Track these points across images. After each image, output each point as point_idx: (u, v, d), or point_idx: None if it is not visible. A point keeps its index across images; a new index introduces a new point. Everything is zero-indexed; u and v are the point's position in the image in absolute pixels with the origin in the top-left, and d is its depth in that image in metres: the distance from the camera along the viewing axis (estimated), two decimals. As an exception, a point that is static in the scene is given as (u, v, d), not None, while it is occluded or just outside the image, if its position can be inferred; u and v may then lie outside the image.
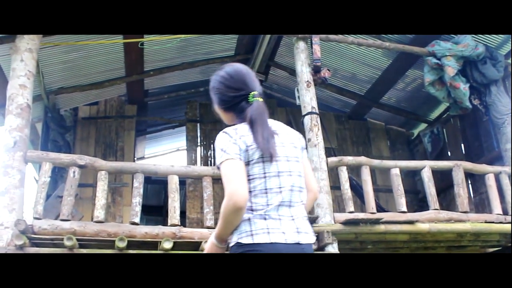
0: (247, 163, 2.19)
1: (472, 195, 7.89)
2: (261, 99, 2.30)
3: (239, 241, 2.14)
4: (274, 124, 2.34)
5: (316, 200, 2.50)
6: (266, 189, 2.19)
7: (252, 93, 2.30)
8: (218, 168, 2.19)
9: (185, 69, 8.42)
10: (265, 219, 2.15)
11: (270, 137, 2.21)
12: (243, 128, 2.23)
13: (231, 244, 2.20)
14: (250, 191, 2.17)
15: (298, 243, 2.16)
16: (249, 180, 2.18)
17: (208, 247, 2.31)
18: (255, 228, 2.13)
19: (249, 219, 2.15)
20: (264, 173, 2.19)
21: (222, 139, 2.21)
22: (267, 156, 2.18)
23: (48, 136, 8.05)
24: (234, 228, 2.17)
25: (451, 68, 6.47)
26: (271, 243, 2.10)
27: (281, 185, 2.20)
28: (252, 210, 2.17)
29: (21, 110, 4.99)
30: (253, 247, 2.10)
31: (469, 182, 7.75)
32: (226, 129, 2.25)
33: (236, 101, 2.31)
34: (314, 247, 5.02)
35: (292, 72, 7.65)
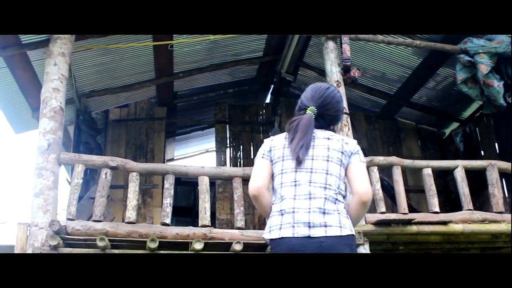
0: (273, 163, 2.55)
1: (507, 195, 7.71)
2: (312, 114, 2.57)
3: (263, 236, 2.49)
4: (319, 133, 2.58)
5: (365, 203, 2.48)
6: (281, 183, 2.47)
7: (310, 108, 2.59)
8: None
9: (214, 70, 8.45)
10: (282, 214, 2.41)
11: (305, 145, 2.47)
12: (281, 134, 2.63)
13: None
14: (273, 188, 2.53)
15: (308, 237, 2.30)
16: (274, 177, 2.53)
17: None
18: (272, 224, 2.43)
19: (270, 217, 2.47)
20: (282, 169, 2.50)
21: None
22: (295, 158, 2.46)
23: (80, 139, 8.18)
24: (267, 212, 2.53)
25: (484, 65, 6.33)
26: (281, 238, 2.35)
27: (296, 179, 2.44)
28: (272, 205, 2.48)
29: (55, 113, 5.08)
30: (270, 242, 2.42)
31: (503, 182, 7.57)
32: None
33: (301, 108, 2.65)
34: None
35: (321, 72, 7.60)
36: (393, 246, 5.59)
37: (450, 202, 8.85)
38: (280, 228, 2.36)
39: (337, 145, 2.52)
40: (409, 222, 5.23)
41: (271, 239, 2.39)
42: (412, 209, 6.00)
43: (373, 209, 6.19)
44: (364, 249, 5.04)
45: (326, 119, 2.61)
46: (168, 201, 5.04)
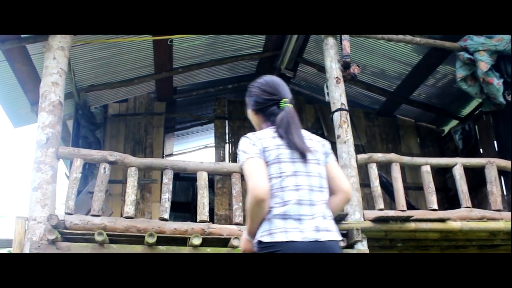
0: (267, 163, 2.35)
1: (505, 193, 7.71)
2: (291, 105, 2.48)
3: (260, 239, 2.29)
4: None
5: (349, 200, 2.56)
6: (282, 187, 2.33)
7: (284, 99, 2.49)
8: (242, 169, 2.38)
9: (214, 66, 8.45)
10: (284, 219, 2.28)
11: (304, 138, 2.42)
12: (262, 133, 2.45)
13: (254, 242, 2.34)
14: (271, 190, 2.31)
15: (316, 241, 2.26)
16: (269, 180, 2.33)
17: (242, 243, 2.49)
18: (274, 227, 2.27)
19: (269, 219, 2.29)
20: (280, 173, 2.34)
21: (243, 143, 2.42)
22: (299, 156, 2.36)
23: (79, 133, 8.17)
24: (261, 221, 2.31)
25: (484, 63, 6.32)
26: (288, 241, 2.23)
27: (297, 184, 2.34)
28: (271, 208, 2.31)
29: (53, 107, 5.08)
30: (271, 246, 2.24)
31: (502, 179, 7.57)
32: (246, 135, 2.46)
33: (267, 104, 2.51)
34: (343, 244, 4.98)
35: (321, 68, 7.60)
36: (391, 243, 5.60)
37: (449, 199, 8.86)
38: (286, 232, 2.25)
39: (319, 146, 2.50)
40: (407, 219, 5.23)
41: (275, 242, 2.24)
42: (410, 206, 6.00)
43: (371, 206, 6.21)
44: (362, 245, 5.05)
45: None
46: (166, 196, 5.04)
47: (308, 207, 2.32)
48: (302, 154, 2.37)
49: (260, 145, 2.37)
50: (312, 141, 2.50)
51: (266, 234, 2.27)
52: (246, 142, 2.40)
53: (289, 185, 2.33)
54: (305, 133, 2.51)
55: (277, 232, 2.25)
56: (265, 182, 2.26)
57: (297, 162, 2.38)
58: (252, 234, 2.37)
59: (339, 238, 2.38)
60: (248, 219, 2.35)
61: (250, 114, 2.63)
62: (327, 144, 2.57)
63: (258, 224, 2.32)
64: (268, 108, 2.50)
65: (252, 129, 2.58)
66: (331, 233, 2.33)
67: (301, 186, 2.34)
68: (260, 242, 2.28)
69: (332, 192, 2.48)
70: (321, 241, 2.27)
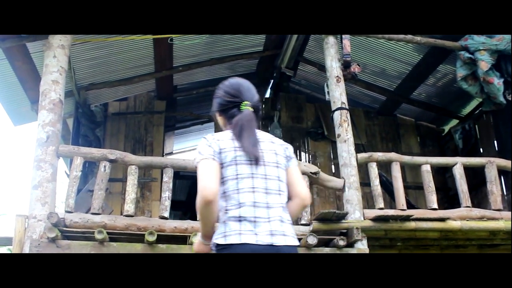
0: (222, 166, 2.36)
1: (505, 192, 7.71)
2: (251, 109, 2.50)
3: (215, 241, 2.30)
4: (260, 134, 2.52)
5: (306, 206, 2.54)
6: (238, 189, 2.33)
7: (244, 102, 2.50)
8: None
9: (214, 64, 8.44)
10: (239, 221, 2.28)
11: (256, 142, 2.40)
12: (221, 134, 2.47)
13: (211, 244, 2.36)
14: (224, 192, 2.35)
15: (271, 245, 2.25)
16: (223, 182, 2.35)
17: (195, 245, 2.51)
18: (228, 229, 2.28)
19: (224, 222, 2.31)
20: (236, 174, 2.34)
21: (200, 144, 2.44)
22: (252, 159, 2.36)
23: (79, 131, 8.17)
24: (213, 223, 2.34)
25: (484, 62, 6.32)
26: (242, 244, 2.23)
27: (253, 186, 2.34)
28: (227, 210, 2.32)
29: (54, 105, 5.07)
30: (226, 248, 2.25)
31: (502, 179, 7.56)
32: (205, 135, 2.49)
33: (229, 106, 2.55)
34: (343, 243, 4.98)
35: (321, 67, 7.60)
36: (391, 242, 5.60)
37: (449, 199, 8.85)
38: (240, 234, 2.25)
39: (281, 150, 2.52)
40: (407, 218, 5.23)
41: (228, 244, 2.25)
42: (410, 206, 6.00)
43: (371, 205, 6.21)
44: (362, 244, 5.05)
45: (258, 116, 2.55)
46: (166, 194, 5.04)
47: (264, 210, 2.31)
48: (252, 158, 2.37)
49: (216, 146, 2.39)
50: (273, 144, 2.51)
51: (221, 237, 2.28)
52: (203, 143, 2.42)
53: (244, 187, 2.33)
54: (265, 136, 2.53)
55: (231, 234, 2.26)
56: (213, 184, 2.26)
57: (255, 164, 2.38)
58: (205, 236, 2.40)
59: (296, 243, 2.37)
60: (200, 221, 2.38)
61: (216, 115, 2.67)
62: (290, 148, 2.59)
63: (210, 226, 2.35)
64: (229, 110, 2.54)
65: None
66: (288, 238, 2.32)
67: (257, 188, 2.34)
68: (216, 245, 2.29)
69: (289, 197, 2.48)
70: (276, 245, 2.26)
